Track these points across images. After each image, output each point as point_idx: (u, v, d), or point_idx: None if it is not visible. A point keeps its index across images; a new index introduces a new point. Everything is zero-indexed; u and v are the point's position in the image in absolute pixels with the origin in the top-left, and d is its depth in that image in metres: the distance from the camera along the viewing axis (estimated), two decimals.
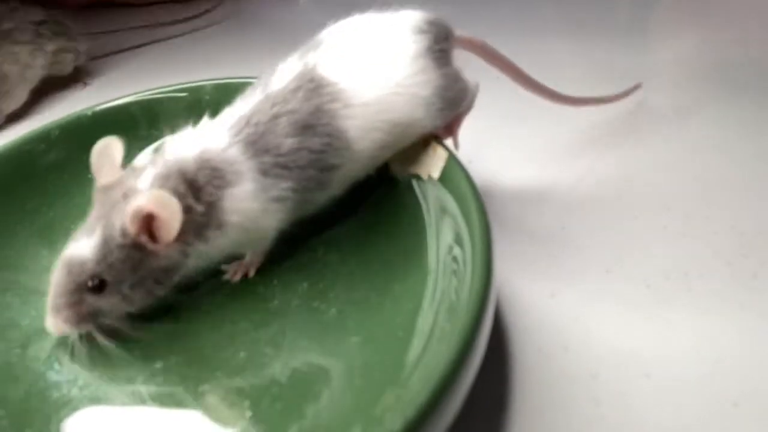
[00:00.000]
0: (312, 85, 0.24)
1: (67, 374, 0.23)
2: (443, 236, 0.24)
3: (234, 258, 0.26)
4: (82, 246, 0.22)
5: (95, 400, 0.22)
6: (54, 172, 0.31)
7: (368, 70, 0.24)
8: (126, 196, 0.22)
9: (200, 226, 0.23)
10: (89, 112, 0.32)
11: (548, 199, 0.32)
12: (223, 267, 0.26)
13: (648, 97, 0.40)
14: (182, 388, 0.22)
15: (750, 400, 0.21)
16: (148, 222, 0.22)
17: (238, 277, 0.26)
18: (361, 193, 0.27)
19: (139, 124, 0.33)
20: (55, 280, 0.23)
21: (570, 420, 0.21)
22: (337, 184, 0.25)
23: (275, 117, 0.24)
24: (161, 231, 0.22)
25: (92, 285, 0.22)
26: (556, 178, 0.33)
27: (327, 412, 0.20)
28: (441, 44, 0.26)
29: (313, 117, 0.24)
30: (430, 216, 0.25)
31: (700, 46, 0.46)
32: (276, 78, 0.25)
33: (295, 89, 0.24)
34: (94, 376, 0.22)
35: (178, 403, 0.21)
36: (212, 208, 0.23)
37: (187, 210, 0.22)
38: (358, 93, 0.24)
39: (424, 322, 0.21)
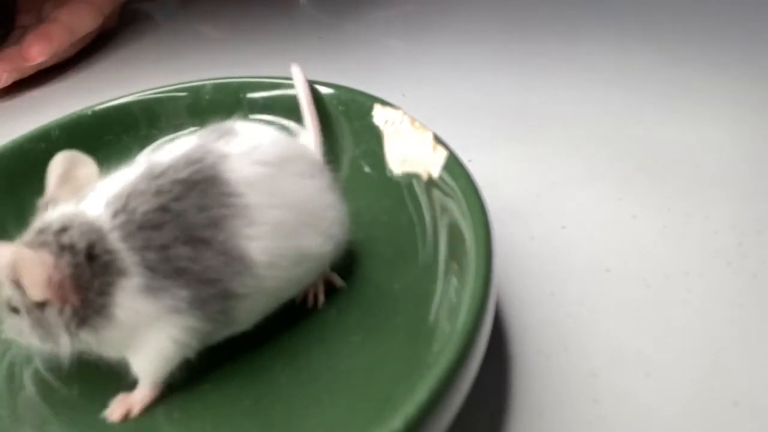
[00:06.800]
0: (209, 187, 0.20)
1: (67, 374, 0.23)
2: (443, 236, 0.24)
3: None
4: None
5: (95, 399, 0.22)
6: None
7: (280, 191, 0.22)
8: None
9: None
10: (89, 112, 0.32)
11: (548, 199, 0.32)
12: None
13: (647, 97, 0.40)
14: (182, 387, 0.22)
15: (750, 399, 0.21)
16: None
17: (116, 417, 0.21)
18: (359, 193, 0.27)
19: (139, 124, 0.33)
20: None
21: (570, 420, 0.21)
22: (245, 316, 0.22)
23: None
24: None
25: None
26: (556, 178, 0.33)
27: (327, 412, 0.20)
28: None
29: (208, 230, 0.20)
30: (430, 216, 0.25)
31: (696, 43, 0.46)
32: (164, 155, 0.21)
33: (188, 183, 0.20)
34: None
35: (177, 403, 0.22)
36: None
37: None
38: (265, 212, 0.21)
39: (424, 321, 0.21)
